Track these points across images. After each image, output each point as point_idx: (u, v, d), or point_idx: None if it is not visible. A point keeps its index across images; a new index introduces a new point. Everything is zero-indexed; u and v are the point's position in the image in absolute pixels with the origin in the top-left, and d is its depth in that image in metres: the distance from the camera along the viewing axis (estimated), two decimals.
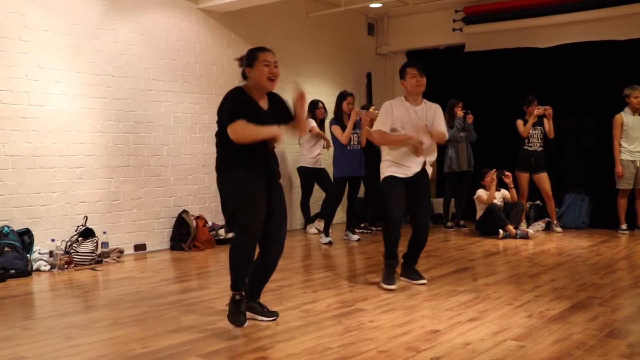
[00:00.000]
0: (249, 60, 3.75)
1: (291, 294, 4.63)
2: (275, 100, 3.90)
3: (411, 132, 4.80)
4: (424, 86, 4.91)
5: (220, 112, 3.72)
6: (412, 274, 5.01)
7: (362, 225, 8.35)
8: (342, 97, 7.39)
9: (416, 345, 3.36)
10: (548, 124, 8.00)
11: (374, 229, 8.30)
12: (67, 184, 6.15)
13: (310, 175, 8.01)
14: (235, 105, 3.65)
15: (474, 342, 3.40)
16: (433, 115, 4.97)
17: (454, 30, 9.57)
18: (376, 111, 7.82)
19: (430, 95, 11.00)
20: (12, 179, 5.74)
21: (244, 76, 3.82)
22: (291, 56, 8.49)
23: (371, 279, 5.13)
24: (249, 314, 3.82)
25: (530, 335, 3.52)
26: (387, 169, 4.93)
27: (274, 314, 3.92)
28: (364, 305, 4.26)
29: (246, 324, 3.73)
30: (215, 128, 3.81)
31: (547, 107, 7.88)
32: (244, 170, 3.71)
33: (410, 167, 4.86)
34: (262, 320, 3.84)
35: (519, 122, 8.10)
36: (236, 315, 3.73)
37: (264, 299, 4.03)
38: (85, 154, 6.29)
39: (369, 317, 3.96)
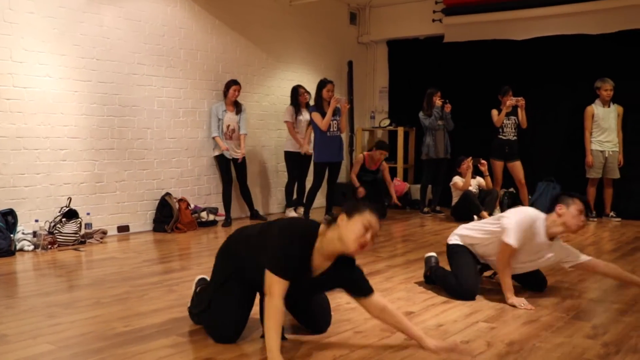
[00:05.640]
0: (349, 211, 2.93)
1: None
2: (346, 264, 3.09)
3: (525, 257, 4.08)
4: None
5: (267, 245, 2.96)
6: None
7: None
8: (322, 85, 7.51)
9: None
10: (521, 114, 8.19)
11: None
12: (51, 166, 6.20)
13: (291, 158, 8.11)
14: (287, 258, 2.90)
15: (446, 324, 3.53)
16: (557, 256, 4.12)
17: (433, 21, 9.72)
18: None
19: (409, 84, 11.10)
20: None
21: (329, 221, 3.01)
22: (274, 43, 8.53)
23: None
24: None
25: (500, 317, 3.65)
26: None
27: None
28: None
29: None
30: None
31: (519, 98, 8.08)
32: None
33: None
34: None
35: (494, 112, 8.31)
36: None
37: None
38: (70, 136, 6.34)
39: (345, 298, 3.95)
